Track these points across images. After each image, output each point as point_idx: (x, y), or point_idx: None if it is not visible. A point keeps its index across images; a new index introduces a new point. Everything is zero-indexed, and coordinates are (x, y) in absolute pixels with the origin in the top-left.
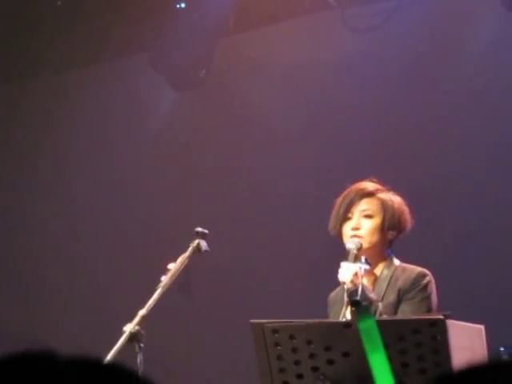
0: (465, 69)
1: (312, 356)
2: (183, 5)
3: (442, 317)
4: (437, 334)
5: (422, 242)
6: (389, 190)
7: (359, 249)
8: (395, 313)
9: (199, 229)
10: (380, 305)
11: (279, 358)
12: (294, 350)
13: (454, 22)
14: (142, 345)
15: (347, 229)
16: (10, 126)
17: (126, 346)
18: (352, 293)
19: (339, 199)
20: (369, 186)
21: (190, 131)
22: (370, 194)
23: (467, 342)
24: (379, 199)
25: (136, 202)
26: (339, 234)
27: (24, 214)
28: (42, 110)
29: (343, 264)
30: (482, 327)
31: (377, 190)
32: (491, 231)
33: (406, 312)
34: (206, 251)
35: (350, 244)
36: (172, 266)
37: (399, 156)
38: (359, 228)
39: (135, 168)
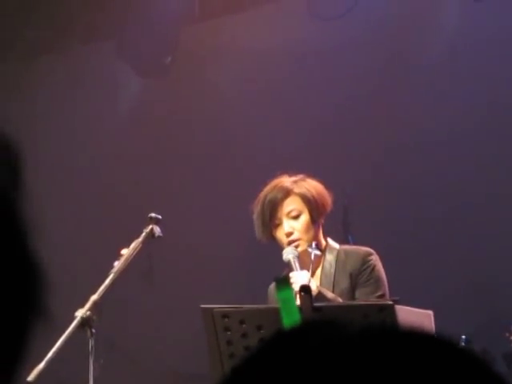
0: (431, 56)
1: (262, 341)
2: None
3: (390, 302)
4: (386, 319)
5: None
6: (301, 177)
7: (297, 256)
8: (351, 298)
9: (153, 214)
10: (339, 300)
11: (229, 343)
12: (244, 336)
13: (419, 8)
14: (93, 330)
15: (281, 235)
16: None
17: (77, 332)
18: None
19: (258, 207)
20: (284, 182)
21: (156, 118)
22: (289, 193)
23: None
24: (298, 195)
25: (97, 189)
26: (273, 240)
27: None
28: (9, 97)
29: (292, 274)
30: (430, 312)
31: (292, 183)
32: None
33: (365, 295)
34: (159, 237)
35: (286, 255)
36: (125, 252)
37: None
38: (292, 232)
39: (96, 156)
